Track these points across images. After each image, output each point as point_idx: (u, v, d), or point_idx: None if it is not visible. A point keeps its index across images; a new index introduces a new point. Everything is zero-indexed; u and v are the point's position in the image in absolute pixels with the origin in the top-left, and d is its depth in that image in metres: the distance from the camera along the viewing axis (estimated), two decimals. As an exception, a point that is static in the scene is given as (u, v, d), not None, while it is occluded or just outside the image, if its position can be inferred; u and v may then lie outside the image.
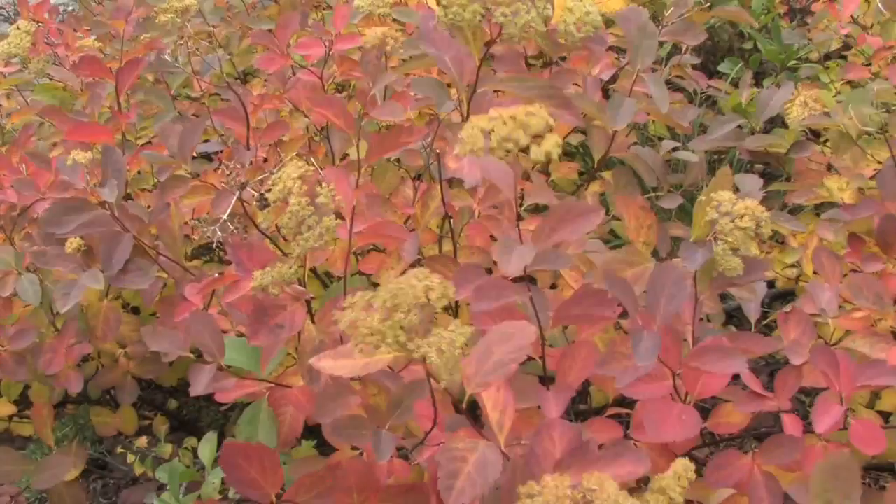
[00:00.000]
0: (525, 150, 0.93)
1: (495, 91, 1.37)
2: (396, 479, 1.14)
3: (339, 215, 1.16)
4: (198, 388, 1.17)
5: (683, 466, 0.89)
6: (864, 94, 1.75)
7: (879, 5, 1.99)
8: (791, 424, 1.13)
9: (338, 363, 0.93)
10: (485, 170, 1.00)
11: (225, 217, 1.46)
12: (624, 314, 1.08)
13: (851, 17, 2.12)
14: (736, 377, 1.14)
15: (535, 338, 0.93)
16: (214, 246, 1.55)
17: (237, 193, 1.46)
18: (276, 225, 1.64)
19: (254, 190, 1.49)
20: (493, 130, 0.92)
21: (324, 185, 1.13)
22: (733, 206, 1.07)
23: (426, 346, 0.84)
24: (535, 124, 0.92)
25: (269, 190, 1.17)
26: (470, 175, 1.21)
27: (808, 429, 1.14)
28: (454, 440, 0.90)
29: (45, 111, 1.84)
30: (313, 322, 1.29)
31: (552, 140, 0.92)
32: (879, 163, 1.74)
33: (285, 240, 1.64)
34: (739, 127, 1.78)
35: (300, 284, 1.20)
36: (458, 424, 1.03)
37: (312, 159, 1.70)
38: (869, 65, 1.99)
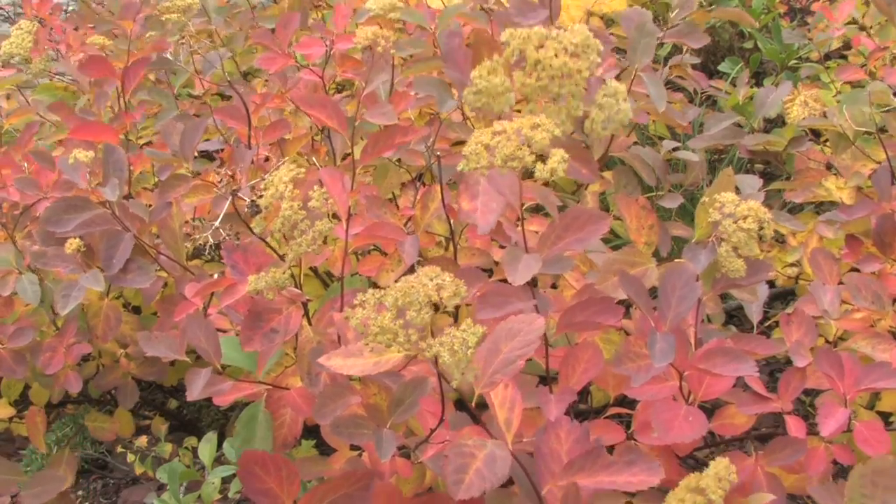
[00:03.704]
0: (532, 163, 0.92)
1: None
2: (398, 479, 1.13)
3: (338, 217, 1.15)
4: (194, 392, 1.15)
5: (725, 467, 0.87)
6: (859, 94, 1.75)
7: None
8: (795, 426, 1.12)
9: (347, 362, 0.93)
10: (490, 179, 1.00)
11: (217, 224, 1.46)
12: (625, 316, 1.07)
13: (854, 19, 2.12)
14: (738, 378, 1.13)
15: (543, 331, 0.92)
16: (211, 248, 1.55)
17: (229, 199, 1.45)
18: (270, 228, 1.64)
19: (244, 197, 1.47)
20: (497, 146, 0.91)
21: (315, 188, 1.12)
22: (736, 207, 1.06)
23: (438, 346, 0.83)
24: (541, 139, 0.91)
25: (260, 196, 1.16)
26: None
27: (810, 430, 1.14)
28: (463, 437, 0.90)
29: (52, 108, 1.83)
30: (310, 324, 1.28)
31: (558, 156, 0.91)
32: (878, 162, 1.73)
33: (285, 240, 1.63)
34: (739, 126, 1.78)
35: (296, 286, 1.19)
36: (462, 423, 1.03)
37: (314, 159, 1.70)
38: (865, 66, 1.99)
